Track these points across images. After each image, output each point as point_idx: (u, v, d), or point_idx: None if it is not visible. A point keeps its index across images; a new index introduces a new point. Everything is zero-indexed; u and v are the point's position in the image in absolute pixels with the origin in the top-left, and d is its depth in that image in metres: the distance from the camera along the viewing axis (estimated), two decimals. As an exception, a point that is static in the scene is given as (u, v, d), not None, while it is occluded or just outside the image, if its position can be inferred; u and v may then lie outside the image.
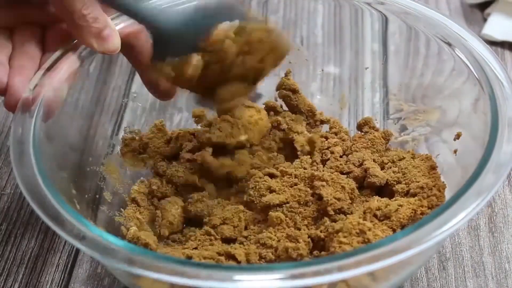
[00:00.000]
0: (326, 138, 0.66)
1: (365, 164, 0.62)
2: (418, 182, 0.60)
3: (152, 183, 0.64)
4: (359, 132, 0.68)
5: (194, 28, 0.56)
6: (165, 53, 0.56)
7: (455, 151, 0.61)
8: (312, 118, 0.70)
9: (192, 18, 0.56)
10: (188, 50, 0.55)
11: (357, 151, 0.64)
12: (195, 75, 0.56)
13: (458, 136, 0.61)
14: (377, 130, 0.68)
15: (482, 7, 0.89)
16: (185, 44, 0.55)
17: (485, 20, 0.88)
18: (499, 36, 0.84)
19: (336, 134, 0.68)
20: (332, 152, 0.64)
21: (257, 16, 0.60)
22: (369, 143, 0.66)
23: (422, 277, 0.60)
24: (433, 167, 0.61)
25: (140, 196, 0.63)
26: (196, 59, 0.55)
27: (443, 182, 0.60)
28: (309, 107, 0.70)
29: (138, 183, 0.64)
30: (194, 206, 0.61)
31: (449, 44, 0.61)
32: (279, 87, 0.70)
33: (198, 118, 0.70)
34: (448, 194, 0.58)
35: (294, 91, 0.70)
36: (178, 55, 0.55)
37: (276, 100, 0.71)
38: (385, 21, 0.70)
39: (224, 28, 0.55)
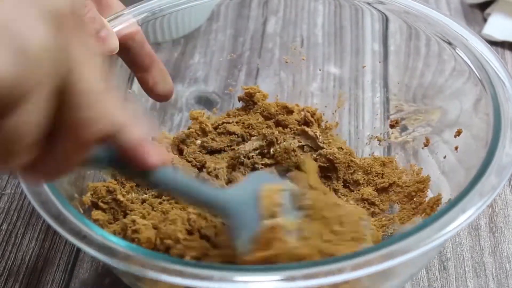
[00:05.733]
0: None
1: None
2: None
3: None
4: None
5: (252, 199, 0.52)
6: (241, 232, 0.52)
7: (456, 148, 0.61)
8: None
9: (247, 189, 0.53)
10: (256, 221, 0.51)
11: None
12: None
13: (458, 132, 0.61)
14: None
15: (482, 7, 0.90)
16: (252, 216, 0.51)
17: (485, 20, 0.88)
18: (499, 36, 0.84)
19: None
20: None
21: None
22: None
23: (423, 277, 0.60)
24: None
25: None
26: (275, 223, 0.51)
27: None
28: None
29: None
30: None
31: (450, 44, 0.61)
32: None
33: (195, 120, 0.70)
34: (450, 195, 0.58)
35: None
36: (252, 229, 0.51)
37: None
38: (385, 21, 0.69)
39: (271, 187, 0.53)
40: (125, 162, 0.43)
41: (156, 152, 0.43)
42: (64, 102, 0.36)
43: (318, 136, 0.67)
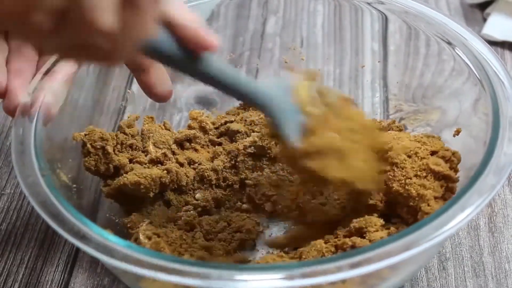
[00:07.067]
0: None
1: None
2: None
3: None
4: None
5: (285, 91, 0.53)
6: (286, 122, 0.53)
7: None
8: None
9: (278, 84, 0.53)
10: (295, 112, 0.53)
11: None
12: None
13: (457, 132, 0.61)
14: None
15: (482, 7, 0.89)
16: (290, 107, 0.53)
17: (485, 20, 0.88)
18: (499, 36, 0.84)
19: None
20: None
21: None
22: None
23: (422, 277, 0.60)
24: None
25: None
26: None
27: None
28: None
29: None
30: None
31: (450, 44, 0.61)
32: None
33: (194, 120, 0.70)
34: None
35: None
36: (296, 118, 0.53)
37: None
38: (385, 21, 0.70)
39: (301, 82, 0.54)
40: (183, 48, 0.45)
41: (213, 35, 0.46)
42: None
43: None
